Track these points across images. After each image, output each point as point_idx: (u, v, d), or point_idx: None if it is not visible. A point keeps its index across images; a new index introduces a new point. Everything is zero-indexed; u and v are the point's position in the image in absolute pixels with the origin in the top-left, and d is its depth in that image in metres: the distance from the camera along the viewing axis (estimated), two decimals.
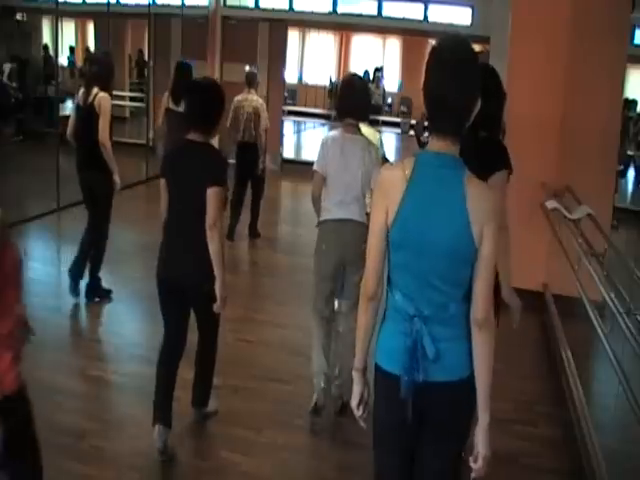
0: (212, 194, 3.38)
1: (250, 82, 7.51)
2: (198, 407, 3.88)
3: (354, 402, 2.31)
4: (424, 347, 2.08)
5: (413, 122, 12.61)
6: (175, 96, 6.55)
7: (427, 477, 2.27)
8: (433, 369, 2.10)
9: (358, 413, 2.31)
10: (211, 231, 3.39)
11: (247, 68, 8.12)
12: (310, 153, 13.71)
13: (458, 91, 2.02)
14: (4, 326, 2.42)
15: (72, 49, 16.22)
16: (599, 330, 3.47)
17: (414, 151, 2.51)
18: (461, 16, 11.08)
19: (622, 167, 11.01)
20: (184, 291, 3.54)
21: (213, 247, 3.41)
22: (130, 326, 5.36)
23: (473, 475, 2.17)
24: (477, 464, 2.14)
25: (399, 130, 12.61)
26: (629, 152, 11.65)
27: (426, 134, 11.21)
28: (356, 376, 2.30)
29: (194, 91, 3.62)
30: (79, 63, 15.11)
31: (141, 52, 14.91)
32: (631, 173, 12.54)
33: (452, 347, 2.13)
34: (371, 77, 17.65)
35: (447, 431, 2.22)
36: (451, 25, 11.22)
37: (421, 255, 2.09)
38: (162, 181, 3.57)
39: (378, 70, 13.67)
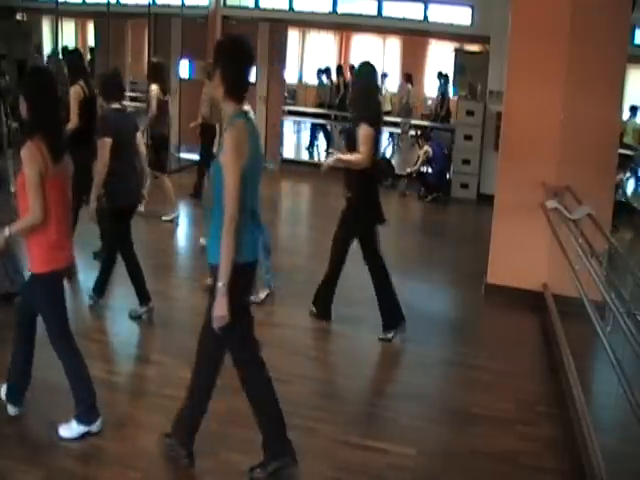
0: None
1: None
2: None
3: None
4: None
5: (413, 122, 12.52)
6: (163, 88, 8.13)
7: None
8: None
9: None
10: None
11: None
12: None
13: None
14: None
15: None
16: (599, 330, 3.47)
17: None
18: (461, 16, 11.07)
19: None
20: None
21: None
22: (129, 326, 5.35)
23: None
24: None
25: (399, 130, 12.58)
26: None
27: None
28: None
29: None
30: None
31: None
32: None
33: None
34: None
35: None
36: (451, 25, 11.22)
37: None
38: None
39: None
